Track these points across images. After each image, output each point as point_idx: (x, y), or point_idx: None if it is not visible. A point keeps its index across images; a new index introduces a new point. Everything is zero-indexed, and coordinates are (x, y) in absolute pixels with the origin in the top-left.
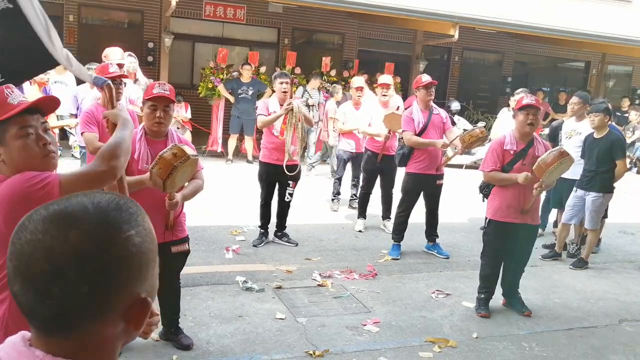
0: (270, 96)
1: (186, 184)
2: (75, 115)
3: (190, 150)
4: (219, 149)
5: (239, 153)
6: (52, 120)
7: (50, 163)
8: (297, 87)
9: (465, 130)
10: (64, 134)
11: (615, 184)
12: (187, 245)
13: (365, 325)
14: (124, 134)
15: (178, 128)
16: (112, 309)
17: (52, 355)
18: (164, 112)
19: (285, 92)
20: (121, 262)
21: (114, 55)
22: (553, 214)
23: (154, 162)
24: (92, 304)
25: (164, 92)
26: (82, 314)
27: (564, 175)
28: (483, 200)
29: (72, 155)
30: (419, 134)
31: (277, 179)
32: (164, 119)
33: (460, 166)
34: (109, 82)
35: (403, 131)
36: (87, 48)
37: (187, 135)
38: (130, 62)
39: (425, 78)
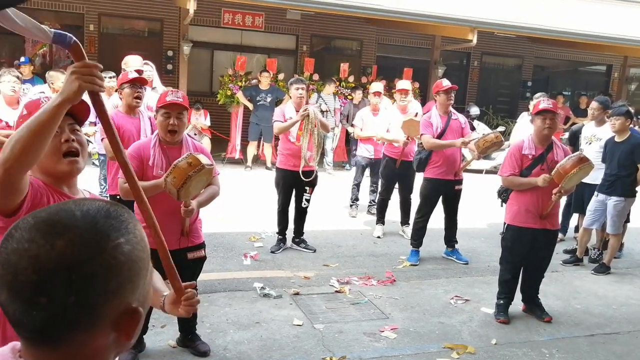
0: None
1: (202, 190)
2: (94, 124)
3: (205, 160)
4: (238, 156)
5: (258, 160)
6: None
7: (72, 165)
8: (312, 94)
9: (484, 134)
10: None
11: (637, 188)
12: (203, 251)
13: (383, 331)
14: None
15: (195, 134)
16: (101, 319)
17: None
18: (178, 120)
19: (301, 97)
20: (110, 270)
21: (133, 62)
22: (574, 219)
23: (169, 171)
24: (80, 315)
25: (177, 99)
26: (70, 325)
27: (586, 180)
28: (501, 205)
29: (93, 163)
30: (438, 139)
31: (294, 185)
32: (177, 126)
33: (480, 171)
34: (74, 38)
35: (422, 134)
36: (107, 57)
37: (206, 142)
38: (147, 70)
39: (446, 83)
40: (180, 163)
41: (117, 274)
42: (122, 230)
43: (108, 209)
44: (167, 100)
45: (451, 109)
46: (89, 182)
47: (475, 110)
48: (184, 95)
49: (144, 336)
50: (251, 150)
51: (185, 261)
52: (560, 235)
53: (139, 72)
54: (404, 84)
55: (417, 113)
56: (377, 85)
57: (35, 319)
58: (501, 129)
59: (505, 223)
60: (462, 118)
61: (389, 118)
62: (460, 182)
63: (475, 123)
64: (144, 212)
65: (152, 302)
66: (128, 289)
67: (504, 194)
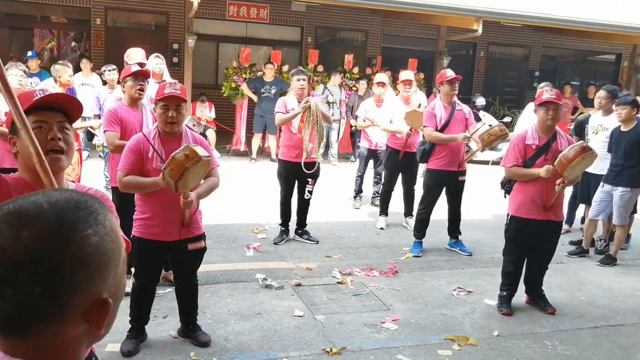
0: None
1: (202, 181)
2: (99, 116)
3: (202, 151)
4: (243, 148)
5: (263, 152)
6: (76, 122)
7: (54, 162)
8: (318, 85)
9: (490, 125)
10: (91, 136)
11: None
12: (203, 242)
13: (384, 322)
14: None
15: (194, 125)
16: (70, 310)
17: (10, 356)
18: (176, 112)
19: (302, 88)
20: (77, 262)
21: (135, 55)
22: (580, 210)
23: (166, 163)
24: (47, 306)
25: (175, 91)
26: (38, 316)
27: (592, 171)
28: (505, 197)
29: (99, 156)
30: (441, 130)
31: (296, 176)
32: (176, 118)
33: (486, 162)
34: None
35: (424, 127)
36: (114, 51)
37: (211, 135)
38: (157, 63)
39: (450, 73)
40: (177, 155)
41: (84, 266)
42: (90, 222)
43: (78, 199)
44: (165, 92)
45: (455, 99)
46: (95, 174)
47: (481, 101)
48: (182, 88)
49: (145, 327)
50: (256, 142)
51: (185, 252)
52: (566, 227)
53: (142, 64)
54: (407, 74)
55: (420, 104)
56: (381, 76)
57: (2, 310)
58: (507, 119)
59: (508, 214)
60: (466, 108)
61: (392, 109)
62: (464, 173)
63: (481, 114)
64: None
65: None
66: (97, 280)
67: (507, 185)
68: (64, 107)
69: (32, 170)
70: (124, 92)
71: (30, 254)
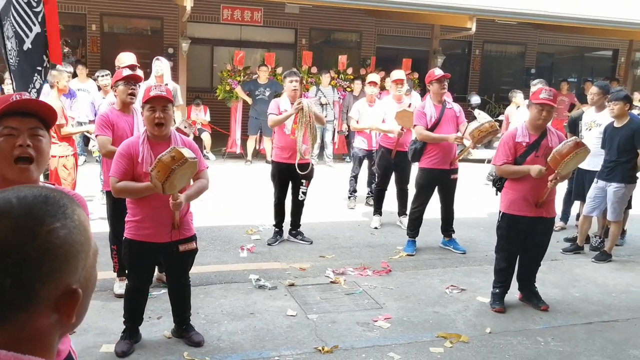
0: None
1: (191, 183)
2: (93, 121)
3: (188, 153)
4: (238, 150)
5: (258, 154)
6: (70, 128)
7: (21, 173)
8: (311, 87)
9: (480, 123)
10: (87, 141)
11: (638, 174)
12: (194, 243)
13: (376, 321)
14: None
15: (186, 127)
16: (40, 300)
17: None
18: (163, 112)
19: (295, 90)
20: (45, 254)
21: (126, 59)
22: (575, 206)
23: (153, 165)
24: (17, 296)
25: (161, 92)
26: (9, 306)
27: (586, 167)
28: (497, 194)
29: (96, 160)
30: (432, 129)
31: (289, 177)
32: (164, 119)
33: (482, 160)
34: None
35: (415, 126)
36: (110, 56)
37: (206, 137)
38: (156, 66)
39: (438, 72)
40: (163, 157)
41: (52, 258)
42: (58, 215)
43: (46, 194)
44: (150, 94)
45: (445, 97)
46: (91, 179)
47: (476, 99)
48: (167, 89)
49: (139, 327)
50: (251, 144)
51: (176, 253)
52: (561, 224)
53: (132, 67)
54: (398, 73)
55: (410, 104)
56: (373, 76)
57: None
58: (503, 117)
59: (500, 211)
60: (456, 107)
61: (384, 108)
62: (455, 171)
63: (477, 112)
64: None
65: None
66: (65, 272)
67: (498, 183)
68: (39, 113)
69: (3, 179)
70: (115, 96)
71: None
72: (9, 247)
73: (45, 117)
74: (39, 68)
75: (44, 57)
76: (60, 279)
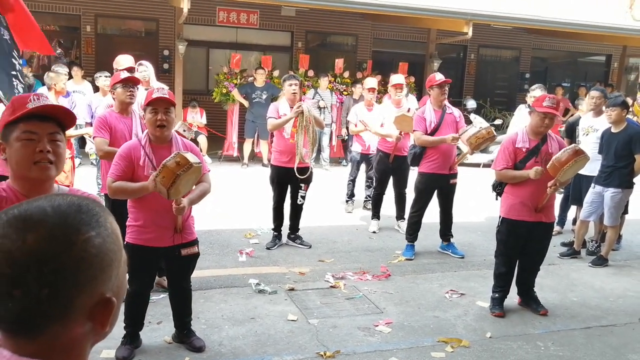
0: None
1: (194, 187)
2: (91, 124)
3: (193, 158)
4: (235, 154)
5: (255, 157)
6: (70, 130)
7: (42, 171)
8: (309, 90)
9: (481, 128)
10: (83, 143)
11: (635, 179)
12: (196, 247)
13: (377, 326)
14: None
15: (184, 130)
16: (75, 310)
17: (19, 356)
18: (166, 115)
19: (294, 93)
20: (81, 263)
21: (124, 61)
22: (572, 211)
23: (158, 170)
24: (54, 306)
25: (163, 95)
26: (45, 316)
27: (583, 172)
28: (496, 199)
29: (92, 163)
30: (432, 134)
31: (288, 181)
32: (166, 121)
33: (477, 165)
34: None
35: (414, 131)
36: (104, 58)
37: (203, 140)
38: (141, 71)
39: (439, 77)
40: (168, 163)
41: (88, 267)
42: (92, 224)
43: (79, 203)
44: (153, 97)
45: (446, 102)
46: (87, 182)
47: (472, 104)
48: (170, 92)
49: (140, 332)
50: (247, 147)
51: (178, 258)
52: (558, 228)
53: (131, 70)
54: (398, 78)
55: (409, 108)
56: (372, 81)
57: (11, 311)
58: (498, 122)
59: (500, 216)
60: (456, 112)
61: (383, 113)
62: (455, 175)
63: (472, 116)
64: None
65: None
66: (100, 281)
67: (498, 187)
68: (58, 116)
69: (23, 179)
70: (114, 99)
71: (35, 256)
72: (46, 256)
73: (63, 121)
74: (14, 72)
75: (13, 60)
76: (95, 288)
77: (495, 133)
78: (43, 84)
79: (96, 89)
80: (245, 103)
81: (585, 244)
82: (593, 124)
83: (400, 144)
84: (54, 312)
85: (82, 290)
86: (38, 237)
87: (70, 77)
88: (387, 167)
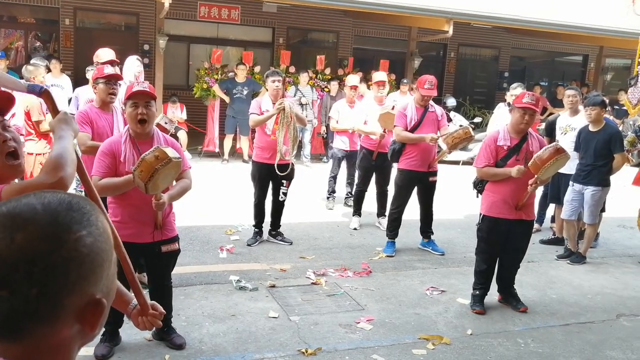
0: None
1: (174, 183)
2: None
3: (172, 153)
4: (216, 149)
5: (235, 153)
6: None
7: (13, 169)
8: (290, 86)
9: (461, 126)
10: None
11: (611, 177)
12: (177, 244)
13: (359, 323)
14: (64, 145)
15: (166, 123)
16: (65, 310)
17: (3, 358)
18: (146, 109)
19: (277, 89)
20: (71, 262)
21: (104, 55)
22: (550, 209)
23: (136, 164)
24: (42, 307)
25: (144, 88)
26: (33, 317)
27: (562, 171)
28: (477, 197)
29: None
30: (412, 131)
31: (270, 178)
32: (147, 115)
33: (457, 162)
34: (45, 87)
35: (394, 126)
36: (83, 51)
37: (183, 136)
38: (138, 65)
39: (428, 87)
40: (147, 156)
41: (78, 266)
42: (83, 223)
43: (70, 201)
44: (133, 90)
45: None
46: None
47: (452, 102)
48: (150, 86)
49: (119, 330)
50: (228, 143)
51: (159, 254)
52: (536, 226)
53: (112, 63)
54: (380, 75)
55: (393, 106)
56: (354, 79)
57: None
58: (478, 120)
59: (480, 214)
60: (439, 110)
61: (365, 110)
62: (434, 173)
63: (452, 114)
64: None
65: (119, 307)
66: (91, 281)
67: (479, 185)
68: None
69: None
70: (95, 93)
71: (24, 255)
72: (35, 255)
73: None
74: None
75: None
76: (85, 289)
77: (472, 133)
78: (21, 77)
79: (86, 81)
80: (226, 99)
81: (563, 241)
82: (571, 123)
83: (383, 141)
84: (43, 313)
85: (72, 290)
86: (27, 236)
87: (49, 70)
88: (370, 164)
